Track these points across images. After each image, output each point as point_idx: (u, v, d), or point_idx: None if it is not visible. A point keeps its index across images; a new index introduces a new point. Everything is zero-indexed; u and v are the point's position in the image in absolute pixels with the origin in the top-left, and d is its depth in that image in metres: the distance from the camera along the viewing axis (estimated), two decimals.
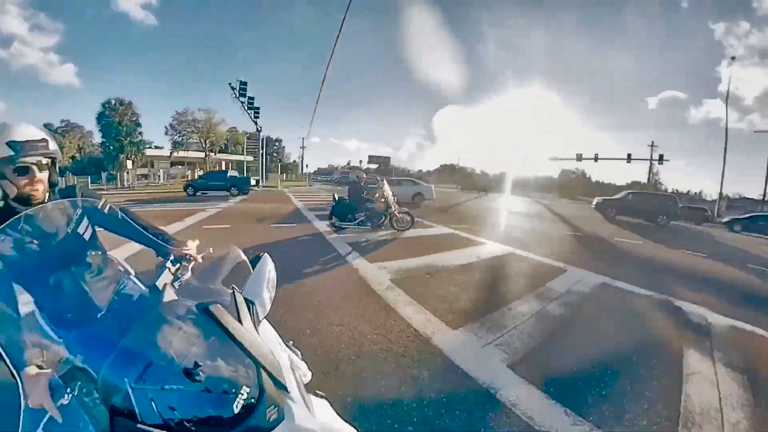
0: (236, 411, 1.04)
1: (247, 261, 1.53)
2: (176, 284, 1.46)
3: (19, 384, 1.06)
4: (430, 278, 5.58)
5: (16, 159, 1.27)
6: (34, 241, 1.34)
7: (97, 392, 1.08)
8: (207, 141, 36.37)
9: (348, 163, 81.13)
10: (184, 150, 37.93)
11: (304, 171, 55.15)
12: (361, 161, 65.75)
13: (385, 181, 9.72)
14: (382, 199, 9.04)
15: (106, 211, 1.53)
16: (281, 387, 1.14)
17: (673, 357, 3.48)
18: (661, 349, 3.68)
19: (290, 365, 1.33)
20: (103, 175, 29.67)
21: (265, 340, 1.28)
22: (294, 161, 62.40)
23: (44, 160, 1.36)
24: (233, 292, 1.32)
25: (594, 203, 20.51)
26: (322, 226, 9.83)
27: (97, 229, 1.58)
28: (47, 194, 1.43)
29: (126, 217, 1.55)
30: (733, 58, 46.45)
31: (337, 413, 1.36)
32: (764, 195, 24.14)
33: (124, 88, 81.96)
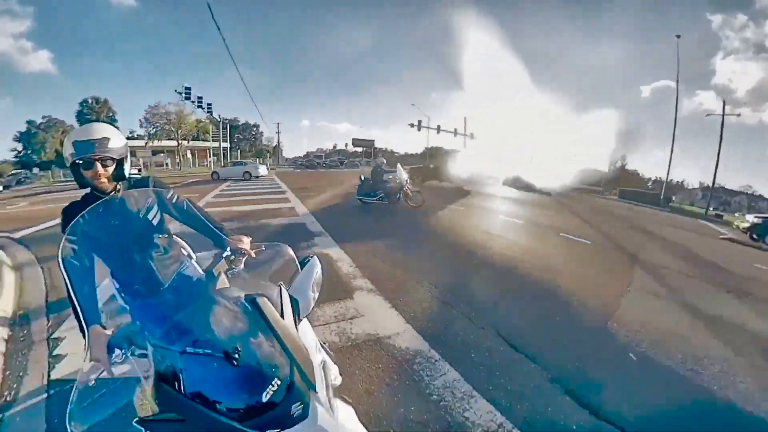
0: (264, 400, 1.09)
1: (297, 260, 1.61)
2: (229, 274, 1.60)
3: (85, 338, 1.21)
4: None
5: (76, 156, 1.47)
6: (112, 222, 1.52)
7: (147, 357, 1.22)
8: (179, 131, 39.98)
9: (334, 146, 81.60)
10: (158, 140, 41.26)
11: (283, 155, 57.81)
12: (346, 144, 66.34)
13: (399, 165, 11.10)
14: (397, 180, 10.29)
15: (174, 201, 1.71)
16: (310, 386, 1.17)
17: None
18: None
19: (322, 366, 1.35)
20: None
21: (303, 338, 1.32)
22: (276, 145, 64.26)
23: (106, 156, 1.51)
24: (280, 289, 1.41)
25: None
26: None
27: (165, 216, 1.74)
28: (121, 184, 1.63)
29: (191, 208, 1.72)
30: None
31: (361, 422, 1.37)
32: (713, 181, 25.35)
33: (101, 81, 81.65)
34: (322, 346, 1.53)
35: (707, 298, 5.09)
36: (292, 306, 1.38)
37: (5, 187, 25.17)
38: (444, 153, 40.83)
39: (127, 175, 1.63)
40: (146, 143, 39.75)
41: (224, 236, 1.65)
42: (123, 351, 1.18)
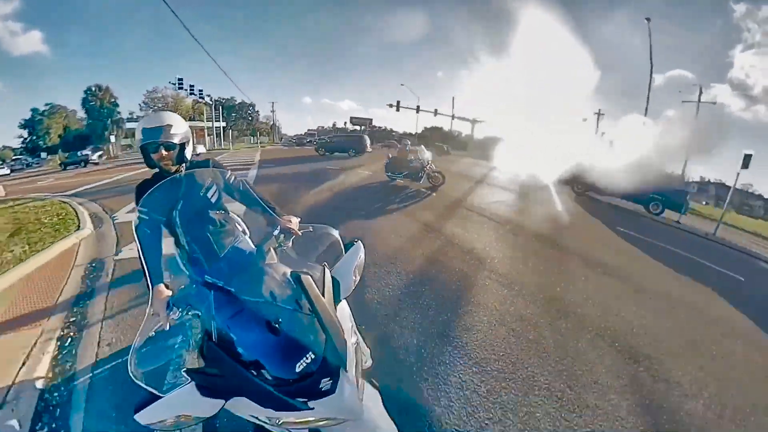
0: (297, 370, 1.16)
1: (341, 243, 1.67)
2: (278, 250, 1.72)
3: (150, 295, 1.36)
4: None
5: (144, 141, 1.69)
6: (177, 197, 1.71)
7: (199, 317, 1.36)
8: (177, 112, 41.91)
9: (334, 124, 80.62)
10: None
11: (281, 134, 58.60)
12: (345, 122, 63.51)
13: (422, 146, 11.91)
14: (419, 160, 10.99)
15: (231, 181, 1.87)
16: (341, 364, 1.22)
17: None
18: None
19: (355, 348, 1.39)
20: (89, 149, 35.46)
21: (340, 318, 1.37)
22: (274, 124, 64.97)
23: (169, 141, 1.70)
24: (323, 269, 1.48)
25: None
26: None
27: (223, 194, 1.90)
28: (184, 165, 1.80)
29: (247, 188, 1.87)
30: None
31: (386, 409, 1.41)
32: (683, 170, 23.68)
33: (100, 67, 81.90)
34: (358, 329, 1.58)
35: None
36: (333, 286, 1.43)
37: (12, 170, 27.43)
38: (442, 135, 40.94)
39: (189, 157, 1.81)
40: None
41: (275, 215, 1.77)
42: (180, 309, 1.34)
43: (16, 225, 6.13)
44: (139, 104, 46.38)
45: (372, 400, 1.34)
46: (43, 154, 37.95)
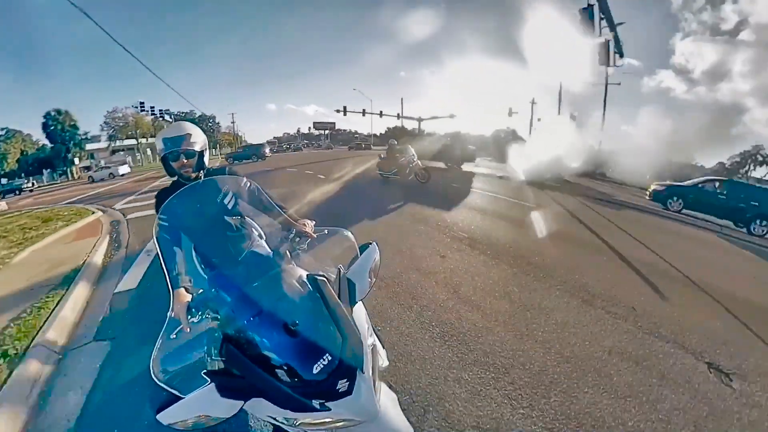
0: (314, 371, 1.17)
1: (357, 245, 1.67)
2: (294, 254, 1.75)
3: (171, 298, 1.41)
4: None
5: (165, 150, 1.76)
6: (195, 204, 1.75)
7: (218, 320, 1.38)
8: (138, 131, 43.96)
9: (298, 130, 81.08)
10: (120, 140, 45.63)
11: (244, 143, 60.24)
12: (309, 128, 65.53)
13: (408, 145, 12.41)
14: (407, 158, 11.56)
15: (247, 187, 1.91)
16: (358, 365, 1.23)
17: None
18: None
19: (372, 350, 1.39)
20: (45, 173, 36.64)
21: (356, 320, 1.38)
22: (236, 134, 66.10)
23: (189, 150, 1.78)
24: (339, 271, 1.49)
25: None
26: None
27: (239, 200, 1.93)
28: (202, 173, 1.87)
29: (262, 194, 1.89)
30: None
31: (404, 411, 1.40)
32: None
33: (57, 90, 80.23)
34: (374, 330, 1.58)
35: None
36: (348, 288, 1.45)
37: None
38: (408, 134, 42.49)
39: (206, 165, 1.89)
40: (109, 145, 43.57)
41: (290, 219, 1.81)
42: (200, 313, 1.39)
43: (48, 214, 9.08)
44: (100, 125, 48.21)
45: (389, 403, 1.34)
46: (3, 180, 38.36)
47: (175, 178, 1.88)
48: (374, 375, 1.30)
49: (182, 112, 53.48)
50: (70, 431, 2.11)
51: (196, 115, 61.81)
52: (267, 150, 32.96)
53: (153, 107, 43.52)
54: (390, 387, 1.47)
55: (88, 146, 44.97)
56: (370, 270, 1.57)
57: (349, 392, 1.17)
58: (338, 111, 39.31)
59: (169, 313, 1.38)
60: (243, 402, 1.15)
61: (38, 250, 5.87)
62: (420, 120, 45.14)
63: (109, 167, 31.55)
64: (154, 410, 1.13)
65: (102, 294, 3.97)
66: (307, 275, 1.50)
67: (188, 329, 1.34)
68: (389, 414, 1.27)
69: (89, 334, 3.10)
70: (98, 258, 5.11)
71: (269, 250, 1.91)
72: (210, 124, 66.65)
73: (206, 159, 1.89)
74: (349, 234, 1.76)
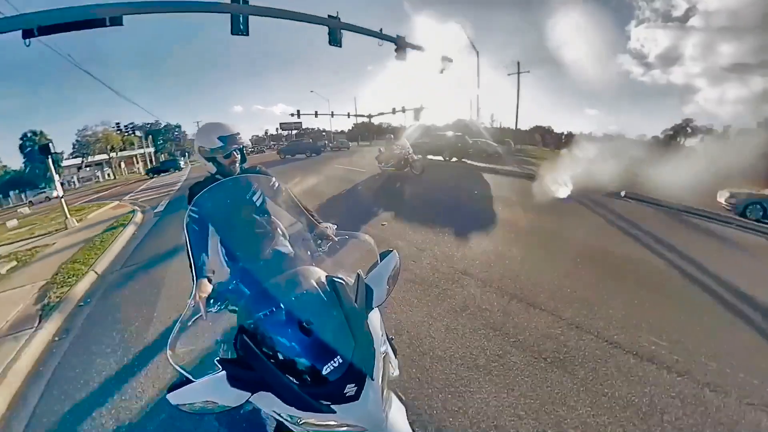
0: (324, 372, 1.17)
1: (377, 252, 1.65)
2: (314, 255, 1.79)
3: (193, 286, 1.47)
4: None
5: (224, 148, 1.83)
6: (225, 200, 1.83)
7: (236, 312, 1.43)
8: (108, 146, 48.39)
9: (266, 132, 76.20)
10: (92, 156, 49.64)
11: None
12: (277, 129, 65.06)
13: (405, 140, 13.11)
14: (403, 152, 12.24)
15: (275, 187, 1.98)
16: (368, 371, 1.22)
17: None
18: None
19: (384, 357, 1.38)
20: (11, 194, 39.29)
21: (371, 326, 1.37)
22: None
23: (242, 146, 1.89)
24: (358, 276, 1.49)
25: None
26: None
27: (267, 199, 2.02)
28: (238, 170, 1.95)
29: (289, 195, 1.96)
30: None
31: (410, 424, 1.38)
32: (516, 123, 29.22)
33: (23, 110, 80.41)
34: (388, 339, 1.57)
35: None
36: (366, 294, 1.43)
37: None
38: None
39: (245, 161, 1.98)
40: (82, 161, 47.61)
41: (314, 221, 1.86)
42: (219, 303, 1.45)
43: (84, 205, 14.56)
44: (72, 143, 51.84)
45: (396, 413, 1.32)
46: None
47: (208, 174, 1.95)
48: (383, 383, 1.29)
49: (147, 124, 57.26)
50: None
51: (161, 126, 65.08)
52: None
53: (118, 123, 47.11)
54: (399, 398, 1.44)
55: (65, 163, 48.56)
56: (389, 277, 1.54)
57: (356, 397, 1.16)
58: (292, 114, 43.06)
59: (189, 300, 1.43)
60: (250, 394, 1.15)
61: (99, 213, 11.63)
62: (369, 116, 50.54)
63: (44, 191, 34.69)
64: (166, 390, 1.16)
65: (142, 228, 8.65)
66: (326, 277, 1.51)
67: (206, 317, 1.38)
68: (396, 426, 1.25)
69: (141, 236, 7.76)
70: (136, 216, 10.07)
71: (291, 250, 1.98)
72: (176, 133, 69.54)
73: (244, 158, 1.98)
74: (370, 240, 1.74)
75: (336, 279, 1.46)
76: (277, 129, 63.53)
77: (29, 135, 45.14)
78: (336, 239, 1.81)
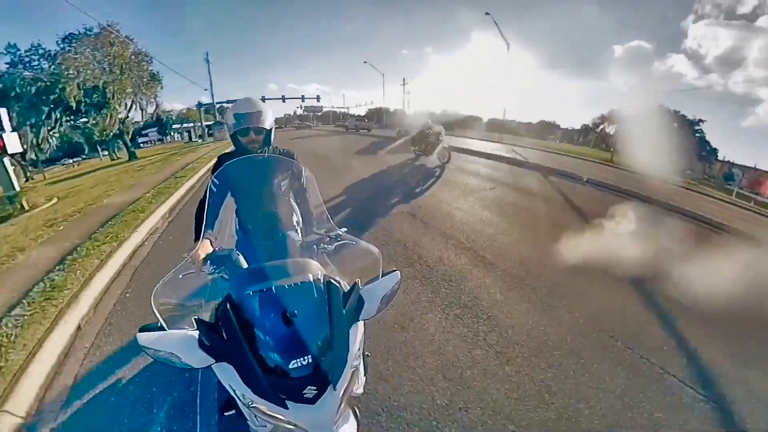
0: (289, 367, 1.16)
1: (381, 267, 1.63)
2: (320, 251, 1.78)
3: (195, 243, 1.53)
4: None
5: (238, 125, 1.86)
6: (250, 173, 1.88)
7: (227, 281, 1.45)
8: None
9: (294, 112, 76.64)
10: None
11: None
12: (304, 109, 64.94)
13: (440, 125, 12.98)
14: (435, 137, 12.44)
15: (299, 174, 2.01)
16: (333, 380, 1.20)
17: None
18: None
19: (353, 372, 1.36)
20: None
21: (351, 337, 1.36)
22: None
23: (259, 127, 1.88)
24: (355, 284, 1.48)
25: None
26: None
27: (290, 183, 2.04)
28: (269, 149, 1.98)
29: (311, 185, 1.98)
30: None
31: None
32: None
33: None
34: (363, 355, 1.55)
35: None
36: (357, 304, 1.42)
37: None
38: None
39: (272, 143, 1.99)
40: (180, 126, 55.56)
41: (327, 217, 1.87)
42: (215, 267, 1.47)
43: None
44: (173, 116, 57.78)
45: (347, 429, 1.31)
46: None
47: (234, 148, 1.99)
48: (343, 397, 1.26)
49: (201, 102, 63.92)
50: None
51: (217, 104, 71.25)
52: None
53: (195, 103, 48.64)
54: (355, 416, 1.42)
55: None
56: (384, 296, 1.52)
57: (312, 401, 1.14)
58: (281, 100, 45.38)
59: (186, 254, 1.47)
60: (215, 361, 1.16)
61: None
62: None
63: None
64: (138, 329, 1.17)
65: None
66: (323, 275, 1.48)
67: (197, 275, 1.42)
68: None
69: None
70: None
71: (299, 239, 1.98)
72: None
73: (272, 137, 1.97)
74: (378, 253, 1.69)
75: (333, 281, 1.44)
76: (303, 109, 64.56)
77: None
78: (343, 242, 1.78)
